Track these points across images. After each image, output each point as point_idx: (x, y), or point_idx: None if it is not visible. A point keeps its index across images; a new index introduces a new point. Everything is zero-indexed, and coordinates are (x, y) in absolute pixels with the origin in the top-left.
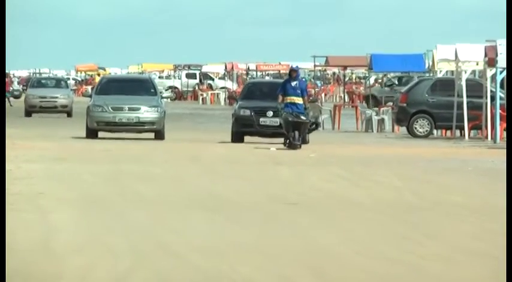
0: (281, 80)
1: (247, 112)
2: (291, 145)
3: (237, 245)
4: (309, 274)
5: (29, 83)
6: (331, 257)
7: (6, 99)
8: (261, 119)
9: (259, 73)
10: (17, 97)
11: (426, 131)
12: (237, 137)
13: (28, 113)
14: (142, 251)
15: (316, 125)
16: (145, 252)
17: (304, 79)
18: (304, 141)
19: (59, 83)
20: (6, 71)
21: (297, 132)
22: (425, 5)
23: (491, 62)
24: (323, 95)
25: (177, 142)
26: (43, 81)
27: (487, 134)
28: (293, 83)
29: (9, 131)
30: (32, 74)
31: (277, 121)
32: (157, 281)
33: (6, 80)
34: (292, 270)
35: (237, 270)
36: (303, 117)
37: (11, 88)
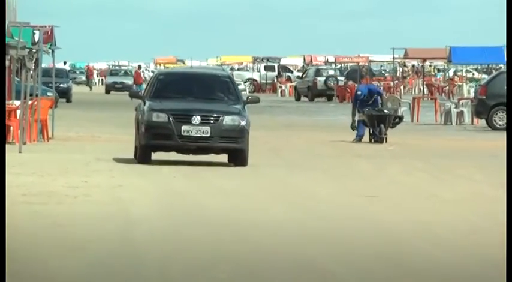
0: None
1: (162, 117)
2: (377, 139)
3: (316, 237)
4: (387, 266)
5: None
6: (409, 249)
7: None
8: (183, 128)
9: (338, 65)
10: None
11: (506, 123)
12: (144, 153)
13: None
14: (223, 244)
15: (400, 118)
16: (226, 245)
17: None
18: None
19: None
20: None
21: (382, 126)
22: None
23: None
24: (402, 87)
25: (254, 132)
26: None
27: None
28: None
29: (88, 124)
30: (111, 67)
31: (207, 130)
32: (238, 273)
33: (138, 71)
34: (371, 262)
35: (318, 262)
36: (386, 111)
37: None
